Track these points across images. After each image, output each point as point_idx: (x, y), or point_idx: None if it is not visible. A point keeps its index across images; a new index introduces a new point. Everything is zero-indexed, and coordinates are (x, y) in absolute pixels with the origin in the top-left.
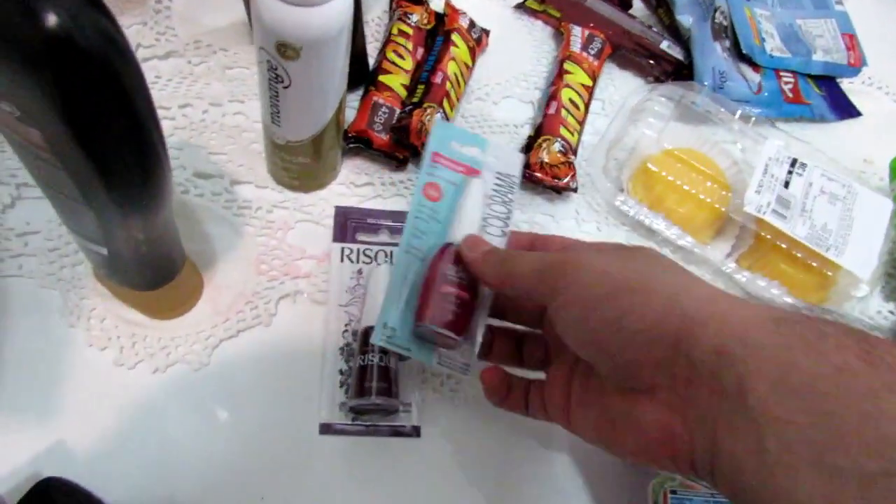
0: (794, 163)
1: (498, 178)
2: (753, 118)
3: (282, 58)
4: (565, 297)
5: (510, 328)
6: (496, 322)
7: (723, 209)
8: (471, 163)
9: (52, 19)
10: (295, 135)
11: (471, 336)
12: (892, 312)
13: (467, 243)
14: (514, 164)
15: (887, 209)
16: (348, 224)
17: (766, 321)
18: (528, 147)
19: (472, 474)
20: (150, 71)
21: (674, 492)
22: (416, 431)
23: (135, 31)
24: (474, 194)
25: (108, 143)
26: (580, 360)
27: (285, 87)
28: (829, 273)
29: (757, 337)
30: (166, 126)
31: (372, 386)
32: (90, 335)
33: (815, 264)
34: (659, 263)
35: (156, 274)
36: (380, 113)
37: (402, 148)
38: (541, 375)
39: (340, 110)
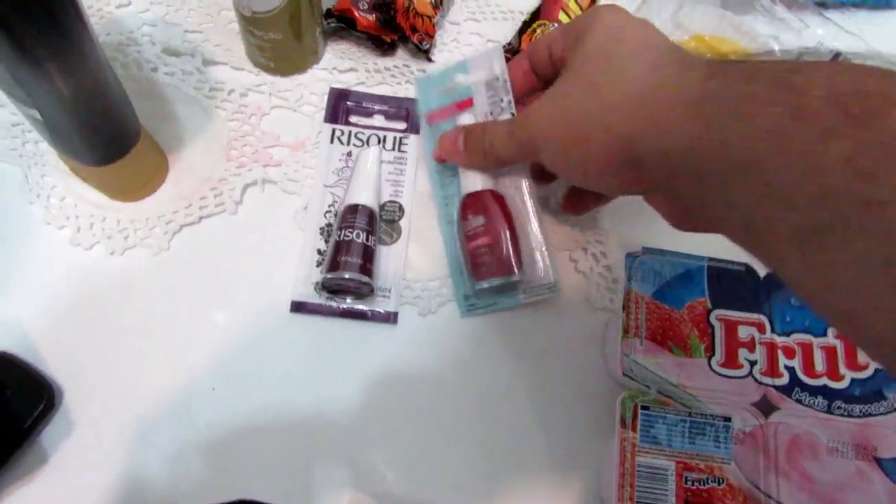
0: (836, 57)
1: (489, 91)
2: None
3: None
4: (543, 158)
5: None
6: None
7: None
8: (459, 96)
9: None
10: (260, 3)
11: (534, 258)
12: None
13: (442, 147)
14: (494, 62)
15: None
16: (342, 105)
17: (684, 105)
18: (522, 31)
19: (446, 367)
20: None
21: (645, 407)
22: (392, 318)
23: None
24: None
25: None
26: None
27: None
28: None
29: (677, 127)
30: (141, 0)
31: (346, 261)
32: (48, 213)
33: None
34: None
35: (103, 145)
36: None
37: (389, 31)
38: None
39: None
